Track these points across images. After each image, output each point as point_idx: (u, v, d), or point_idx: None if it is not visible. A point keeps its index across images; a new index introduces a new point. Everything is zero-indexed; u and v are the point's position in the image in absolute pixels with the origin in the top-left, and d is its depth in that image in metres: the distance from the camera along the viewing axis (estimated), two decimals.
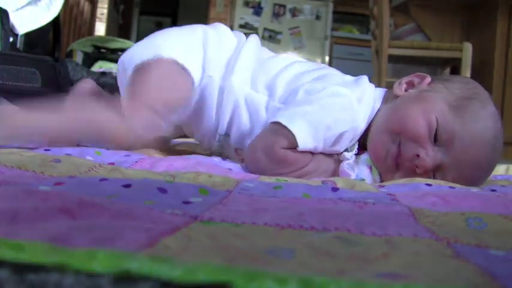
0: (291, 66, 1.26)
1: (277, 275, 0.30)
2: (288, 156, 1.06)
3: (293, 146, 1.05)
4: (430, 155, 1.05)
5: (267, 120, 1.13)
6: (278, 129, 1.06)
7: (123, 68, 1.25)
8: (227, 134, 1.26)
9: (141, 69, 1.18)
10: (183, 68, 1.19)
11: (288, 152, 1.06)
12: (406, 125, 1.07)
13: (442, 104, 1.07)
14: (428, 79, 1.17)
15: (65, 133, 1.06)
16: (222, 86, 1.22)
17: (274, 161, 1.06)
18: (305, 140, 1.05)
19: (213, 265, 0.30)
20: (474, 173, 1.08)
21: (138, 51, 1.22)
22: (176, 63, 1.18)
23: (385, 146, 1.09)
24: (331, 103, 1.09)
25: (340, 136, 1.09)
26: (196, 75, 1.21)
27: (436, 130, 1.04)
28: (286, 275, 0.30)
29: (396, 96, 1.17)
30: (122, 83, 1.26)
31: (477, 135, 1.04)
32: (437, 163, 1.06)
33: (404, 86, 1.19)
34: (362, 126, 1.13)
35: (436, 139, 1.05)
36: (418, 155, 1.05)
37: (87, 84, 1.42)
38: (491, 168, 1.12)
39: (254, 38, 1.33)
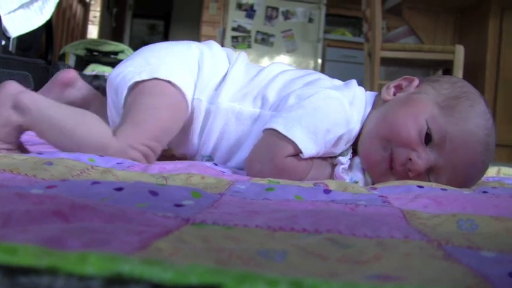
0: (280, 75, 1.24)
1: (268, 277, 0.30)
2: (290, 165, 1.05)
3: (295, 153, 1.05)
4: (422, 158, 1.04)
5: (260, 131, 1.12)
6: (277, 137, 1.05)
7: (113, 87, 1.20)
8: (211, 157, 1.24)
9: (139, 92, 1.15)
10: (179, 89, 1.15)
11: (290, 161, 1.05)
12: (396, 131, 1.07)
13: (431, 106, 1.07)
14: (416, 81, 1.17)
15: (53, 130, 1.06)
16: (209, 109, 1.20)
17: (277, 171, 1.04)
18: (307, 146, 1.04)
19: (204, 267, 0.30)
20: (468, 172, 1.08)
21: (132, 71, 1.17)
22: (173, 85, 1.15)
23: (377, 152, 1.09)
24: (324, 106, 1.08)
25: (339, 139, 1.09)
26: (189, 94, 1.18)
27: (427, 132, 1.04)
28: (277, 277, 0.30)
29: (385, 101, 1.17)
30: (113, 102, 1.22)
31: (468, 134, 1.04)
32: (430, 165, 1.05)
33: (392, 90, 1.18)
34: (356, 128, 1.13)
35: (427, 141, 1.05)
36: (410, 159, 1.05)
37: (68, 74, 1.36)
38: (485, 166, 1.11)
39: (242, 58, 1.30)
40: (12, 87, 1.08)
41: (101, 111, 1.16)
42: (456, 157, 1.05)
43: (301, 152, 1.04)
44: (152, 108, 1.13)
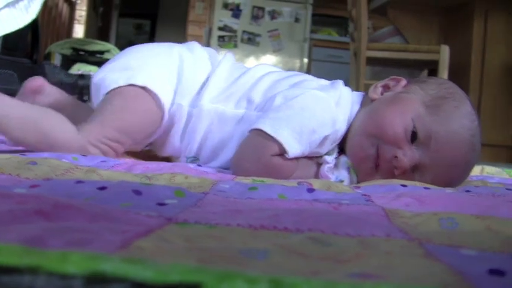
0: (265, 76, 1.24)
1: (248, 275, 0.30)
2: (277, 164, 1.06)
3: (280, 153, 1.05)
4: (407, 155, 1.05)
5: (244, 131, 1.12)
6: (263, 137, 1.05)
7: (96, 88, 1.21)
8: (195, 158, 1.24)
9: (113, 93, 1.15)
10: (155, 96, 1.16)
11: (276, 161, 1.05)
12: (383, 127, 1.07)
13: (418, 105, 1.08)
14: (404, 81, 1.18)
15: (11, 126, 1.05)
16: (191, 112, 1.20)
17: (264, 170, 1.04)
18: (293, 147, 1.04)
19: (185, 266, 0.31)
20: (452, 171, 1.09)
21: (112, 76, 1.17)
22: (148, 90, 1.15)
23: (364, 149, 1.10)
24: (311, 107, 1.09)
25: (324, 139, 1.10)
26: (167, 102, 1.18)
27: (413, 130, 1.05)
28: (257, 275, 0.30)
29: (373, 100, 1.17)
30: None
31: (453, 134, 1.05)
32: (415, 163, 1.06)
33: (380, 89, 1.19)
34: (342, 129, 1.13)
35: (413, 139, 1.06)
36: (396, 156, 1.05)
37: (35, 82, 1.36)
38: (470, 166, 1.12)
39: (227, 59, 1.30)
40: None
41: (73, 115, 1.15)
42: (441, 156, 1.05)
43: (286, 153, 1.04)
44: (119, 111, 1.14)
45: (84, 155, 1.04)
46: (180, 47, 1.30)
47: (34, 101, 1.31)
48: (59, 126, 1.08)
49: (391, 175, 1.07)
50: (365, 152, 1.10)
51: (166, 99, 1.18)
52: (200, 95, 1.21)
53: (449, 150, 1.05)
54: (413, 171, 1.07)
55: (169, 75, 1.22)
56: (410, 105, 1.09)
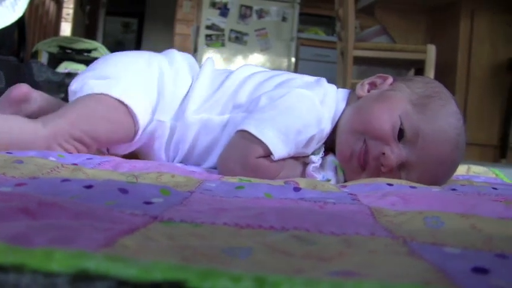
0: (249, 79, 1.23)
1: (231, 273, 0.30)
2: (262, 165, 1.05)
3: (266, 154, 1.05)
4: (394, 152, 1.05)
5: (231, 133, 1.12)
6: (248, 138, 1.05)
7: (73, 95, 1.18)
8: (183, 163, 1.22)
9: (89, 97, 1.14)
10: (130, 111, 1.14)
11: (262, 162, 1.05)
12: (370, 124, 1.08)
13: (405, 102, 1.08)
14: (391, 79, 1.18)
15: None
16: (174, 126, 1.20)
17: (249, 171, 1.04)
18: (278, 148, 1.04)
19: (168, 264, 0.31)
20: (438, 169, 1.09)
21: (89, 83, 1.15)
22: (122, 103, 1.13)
23: (350, 146, 1.10)
24: (297, 106, 1.09)
25: (310, 139, 1.10)
26: (142, 118, 1.16)
27: (400, 128, 1.06)
28: (241, 273, 0.30)
29: (359, 98, 1.17)
30: None
31: (440, 132, 1.06)
32: (402, 160, 1.06)
33: (367, 87, 1.19)
34: (328, 127, 1.14)
35: (400, 137, 1.06)
36: (383, 153, 1.05)
37: (20, 90, 1.34)
38: (455, 165, 1.13)
39: (207, 66, 1.28)
40: None
41: None
42: (427, 154, 1.06)
43: (271, 154, 1.04)
44: (91, 114, 1.12)
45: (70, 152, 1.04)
46: (160, 58, 1.28)
47: (19, 109, 1.29)
48: (22, 124, 1.07)
49: (377, 173, 1.07)
50: (351, 149, 1.10)
51: (142, 117, 1.15)
52: (183, 107, 1.20)
53: (436, 148, 1.06)
54: (399, 170, 1.08)
55: (149, 91, 1.20)
56: (398, 103, 1.09)
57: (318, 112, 1.11)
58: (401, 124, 1.06)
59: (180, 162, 1.22)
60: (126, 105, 1.13)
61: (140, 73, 1.22)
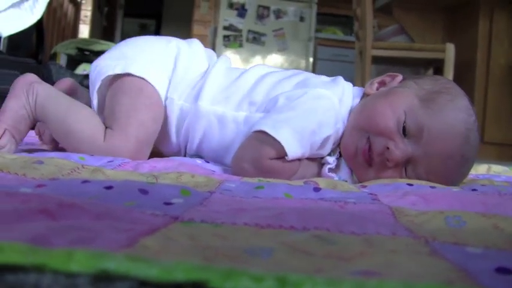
0: (266, 77, 1.23)
1: (253, 273, 0.30)
2: (276, 166, 1.05)
3: (280, 155, 1.04)
4: (399, 148, 1.04)
5: (247, 133, 1.11)
6: (263, 138, 1.04)
7: (93, 78, 1.21)
8: (198, 155, 1.23)
9: (117, 89, 1.17)
10: (154, 88, 1.17)
11: (275, 163, 1.05)
12: (373, 120, 1.07)
13: (411, 98, 1.07)
14: (400, 77, 1.17)
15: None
16: (187, 110, 1.20)
17: (262, 172, 1.03)
18: (293, 148, 1.03)
19: (190, 264, 0.31)
20: (446, 164, 1.06)
21: (108, 63, 1.19)
22: (147, 83, 1.16)
23: (354, 142, 1.09)
24: (314, 107, 1.08)
25: (326, 140, 1.09)
26: (162, 93, 1.19)
27: (405, 123, 1.05)
28: (263, 273, 0.30)
29: (367, 95, 1.17)
30: (92, 94, 1.22)
31: (446, 125, 1.04)
32: (407, 155, 1.05)
33: (376, 85, 1.18)
34: (342, 126, 1.13)
35: (405, 132, 1.05)
36: (388, 148, 1.04)
37: (64, 84, 1.36)
38: (467, 161, 1.10)
39: (223, 60, 1.30)
40: (30, 77, 1.17)
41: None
42: (433, 148, 1.04)
43: (286, 155, 1.03)
44: (133, 110, 1.14)
45: (91, 155, 1.05)
46: (179, 41, 1.31)
47: None
48: (88, 131, 1.12)
49: (383, 169, 1.06)
50: (355, 145, 1.09)
51: (162, 92, 1.19)
52: (197, 92, 1.20)
53: (442, 142, 1.04)
54: (406, 165, 1.07)
55: (165, 68, 1.22)
56: (403, 98, 1.08)
57: (336, 112, 1.10)
58: (405, 119, 1.05)
59: (196, 156, 1.23)
60: (149, 83, 1.16)
61: (157, 50, 1.25)
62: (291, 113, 1.07)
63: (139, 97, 1.15)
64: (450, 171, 1.07)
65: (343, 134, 1.13)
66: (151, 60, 1.21)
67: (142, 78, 1.15)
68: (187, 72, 1.23)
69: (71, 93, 1.31)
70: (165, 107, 1.20)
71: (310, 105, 1.08)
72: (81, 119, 1.11)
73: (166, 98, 1.20)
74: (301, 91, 1.12)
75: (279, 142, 1.02)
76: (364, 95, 1.19)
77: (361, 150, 1.08)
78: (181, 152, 1.25)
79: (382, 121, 1.06)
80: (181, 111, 1.20)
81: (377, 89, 1.18)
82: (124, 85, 1.16)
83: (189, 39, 1.34)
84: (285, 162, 1.05)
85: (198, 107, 1.18)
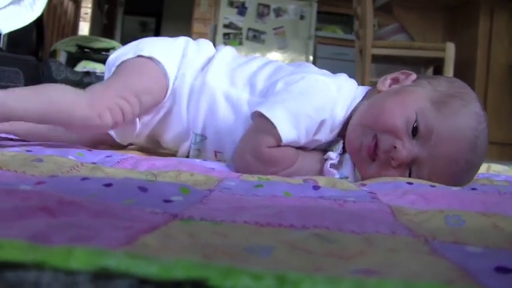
0: (270, 63, 1.28)
1: (253, 271, 0.30)
2: (274, 155, 1.06)
3: (278, 141, 1.05)
4: (406, 148, 1.03)
5: (248, 118, 1.14)
6: (260, 125, 1.06)
7: (109, 68, 1.27)
8: (203, 136, 1.25)
9: (121, 67, 1.21)
10: (160, 65, 1.21)
11: (274, 151, 1.06)
12: (382, 117, 1.06)
13: (424, 99, 1.06)
14: (414, 76, 1.16)
15: (27, 112, 1.04)
16: (195, 85, 1.24)
17: (263, 162, 1.05)
18: (286, 129, 1.04)
19: (190, 262, 0.31)
20: (450, 169, 1.06)
21: (122, 53, 1.24)
22: (154, 60, 1.21)
23: (359, 137, 1.08)
24: (310, 90, 1.10)
25: (321, 124, 1.09)
26: (171, 72, 1.23)
27: (416, 123, 1.04)
28: (262, 271, 0.30)
29: (379, 92, 1.17)
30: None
31: (455, 131, 1.03)
32: (413, 156, 1.04)
33: (389, 81, 1.17)
34: (340, 116, 1.13)
35: (414, 133, 1.04)
36: (395, 147, 1.04)
37: None
38: (472, 167, 1.09)
39: (229, 47, 1.37)
40: None
41: None
42: (439, 151, 1.03)
43: (280, 139, 1.05)
44: (127, 75, 1.19)
45: (89, 150, 1.05)
46: (187, 38, 1.37)
47: None
48: (63, 91, 1.11)
49: (387, 166, 1.05)
50: (360, 140, 1.08)
51: (171, 71, 1.23)
52: (204, 71, 1.25)
53: (449, 146, 1.03)
54: (410, 166, 1.06)
55: (175, 52, 1.28)
56: (416, 98, 1.07)
57: (333, 98, 1.11)
58: (416, 120, 1.04)
59: (200, 137, 1.25)
60: (157, 62, 1.21)
61: (167, 43, 1.31)
62: (287, 95, 1.09)
63: (139, 67, 1.21)
64: (453, 175, 1.07)
65: (347, 127, 1.13)
66: (161, 45, 1.27)
67: (150, 58, 1.21)
68: (197, 56, 1.29)
69: None
70: (177, 86, 1.25)
71: (306, 89, 1.10)
72: (54, 93, 1.10)
73: (177, 77, 1.25)
74: (299, 76, 1.13)
75: (274, 126, 1.03)
76: (374, 92, 1.19)
77: (366, 146, 1.07)
78: (189, 130, 1.26)
79: (390, 119, 1.05)
80: (192, 87, 1.24)
81: (389, 86, 1.17)
82: (127, 63, 1.22)
83: (196, 40, 1.41)
84: (283, 151, 1.07)
85: (204, 82, 1.23)
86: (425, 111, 1.04)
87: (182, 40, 1.33)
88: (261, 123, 1.06)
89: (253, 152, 1.06)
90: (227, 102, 1.21)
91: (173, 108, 1.25)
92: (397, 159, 1.03)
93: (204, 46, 1.34)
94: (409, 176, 1.06)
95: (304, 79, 1.12)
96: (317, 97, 1.09)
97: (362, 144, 1.08)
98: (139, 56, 1.21)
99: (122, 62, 1.21)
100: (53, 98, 1.07)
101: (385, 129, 1.05)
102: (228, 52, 1.32)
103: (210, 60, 1.28)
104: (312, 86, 1.11)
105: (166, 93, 1.23)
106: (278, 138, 1.04)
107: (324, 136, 1.13)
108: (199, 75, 1.25)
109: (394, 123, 1.04)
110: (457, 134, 1.03)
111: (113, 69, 1.22)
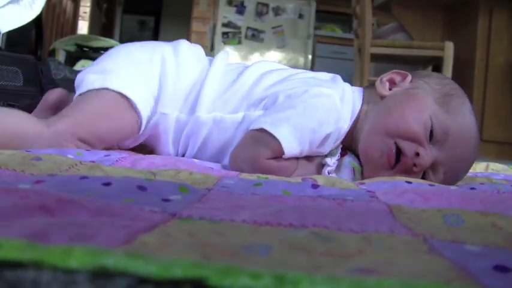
0: (265, 76, 1.20)
1: (251, 270, 0.30)
2: (273, 166, 1.04)
3: (278, 154, 1.03)
4: (428, 153, 1.04)
5: (245, 131, 1.10)
6: (261, 137, 1.03)
7: (76, 87, 1.17)
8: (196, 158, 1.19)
9: (85, 97, 1.13)
10: (132, 103, 1.12)
11: (272, 163, 1.04)
12: (403, 125, 1.05)
13: (431, 101, 1.08)
14: (410, 77, 1.16)
15: None
16: (184, 121, 1.17)
17: (259, 172, 1.01)
18: (291, 146, 1.02)
19: (188, 261, 0.31)
20: (462, 167, 1.10)
21: (89, 78, 1.14)
22: (122, 95, 1.12)
23: (379, 146, 1.07)
24: (315, 105, 1.07)
25: (326, 138, 1.08)
26: (144, 108, 1.14)
27: (432, 128, 1.05)
28: (261, 270, 0.30)
29: (382, 96, 1.16)
30: None
31: (466, 130, 1.07)
32: (434, 161, 1.05)
33: (387, 84, 1.17)
34: (346, 126, 1.12)
35: (431, 137, 1.05)
36: (417, 153, 1.04)
37: (53, 95, 1.34)
38: (473, 162, 1.15)
39: (219, 59, 1.26)
40: None
41: None
42: (455, 152, 1.06)
43: (283, 153, 1.03)
44: (96, 116, 1.11)
45: (88, 149, 1.04)
46: (165, 48, 1.25)
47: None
48: (24, 122, 1.04)
49: (406, 173, 1.05)
50: (380, 149, 1.07)
51: (143, 107, 1.14)
52: (194, 103, 1.17)
53: (463, 146, 1.06)
54: (427, 170, 1.07)
55: (150, 82, 1.18)
56: (425, 102, 1.08)
57: (337, 110, 1.09)
58: (432, 124, 1.05)
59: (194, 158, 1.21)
60: (126, 97, 1.11)
61: (141, 64, 1.19)
62: (291, 111, 1.05)
63: (110, 106, 1.13)
64: (464, 170, 1.12)
65: (351, 135, 1.13)
66: (132, 74, 1.17)
67: (119, 93, 1.11)
68: (177, 85, 1.19)
69: (60, 103, 1.30)
70: (158, 122, 1.17)
71: (311, 103, 1.07)
72: (19, 119, 1.05)
73: (154, 113, 1.17)
74: (302, 89, 1.10)
75: (277, 140, 1.01)
76: (371, 94, 1.18)
77: (386, 154, 1.06)
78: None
79: (412, 126, 1.05)
80: (178, 122, 1.18)
81: (389, 89, 1.17)
82: (99, 93, 1.12)
83: (175, 43, 1.28)
84: (283, 162, 1.05)
85: (197, 118, 1.16)
86: (437, 115, 1.06)
87: (158, 63, 1.20)
88: (262, 136, 1.03)
89: (251, 162, 1.04)
90: (222, 129, 1.16)
91: (157, 142, 1.21)
92: (420, 165, 1.04)
93: (185, 68, 1.22)
94: (423, 179, 1.06)
95: (308, 92, 1.09)
96: (322, 111, 1.07)
97: (383, 152, 1.07)
98: (106, 88, 1.11)
99: (88, 91, 1.12)
100: (9, 124, 1.02)
101: (408, 137, 1.05)
102: (216, 74, 1.21)
103: (196, 86, 1.19)
104: (316, 100, 1.08)
105: (139, 132, 1.17)
106: (281, 152, 1.03)
107: (328, 148, 1.11)
108: (185, 107, 1.18)
109: (416, 131, 1.04)
110: (467, 133, 1.07)
111: (79, 92, 1.14)
